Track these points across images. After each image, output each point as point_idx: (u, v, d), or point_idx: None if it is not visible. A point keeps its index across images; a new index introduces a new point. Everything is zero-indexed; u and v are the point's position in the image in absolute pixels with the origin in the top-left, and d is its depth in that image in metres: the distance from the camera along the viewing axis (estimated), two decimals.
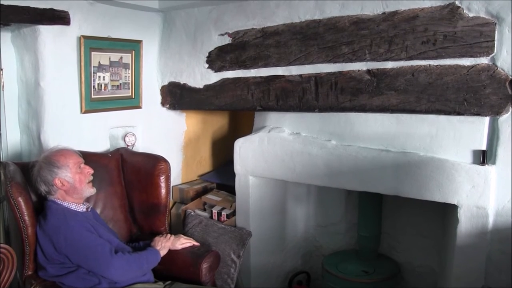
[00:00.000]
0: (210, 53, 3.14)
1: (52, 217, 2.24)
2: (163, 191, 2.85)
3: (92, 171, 2.44)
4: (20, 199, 2.23)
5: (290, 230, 3.53)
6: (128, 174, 2.94)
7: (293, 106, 2.81)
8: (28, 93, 2.86)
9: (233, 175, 3.19)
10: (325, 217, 3.55)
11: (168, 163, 2.88)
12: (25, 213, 2.24)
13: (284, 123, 3.02)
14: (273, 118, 3.09)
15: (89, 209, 2.47)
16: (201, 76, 3.22)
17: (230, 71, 3.06)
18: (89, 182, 2.41)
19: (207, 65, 3.17)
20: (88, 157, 2.62)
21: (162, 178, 2.84)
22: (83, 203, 2.43)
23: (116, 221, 2.81)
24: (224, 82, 3.10)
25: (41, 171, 2.31)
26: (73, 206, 2.35)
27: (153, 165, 2.85)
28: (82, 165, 2.40)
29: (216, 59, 3.11)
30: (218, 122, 4.20)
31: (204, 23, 3.16)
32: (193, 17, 3.22)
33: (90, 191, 2.42)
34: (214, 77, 3.15)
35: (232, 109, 3.19)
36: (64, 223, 2.22)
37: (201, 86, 3.23)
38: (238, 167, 3.13)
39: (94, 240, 2.25)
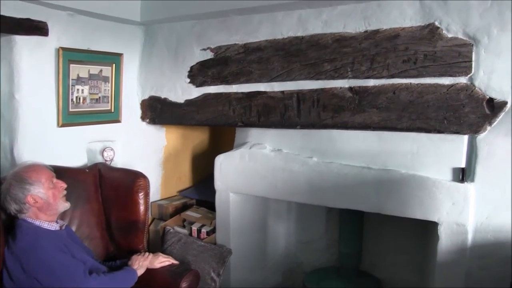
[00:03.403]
0: (191, 67, 3.12)
1: (22, 237, 2.13)
2: (141, 208, 2.78)
3: (65, 186, 2.35)
4: None
5: (271, 247, 3.49)
6: (106, 190, 2.86)
7: (275, 122, 2.80)
8: (1, 105, 2.76)
9: (213, 191, 3.14)
10: (306, 233, 3.53)
11: (147, 179, 2.82)
12: None
13: (265, 140, 3.00)
14: (254, 134, 3.06)
15: (63, 227, 2.38)
16: (182, 91, 3.19)
17: (212, 86, 3.04)
18: (63, 197, 2.32)
19: (188, 80, 3.14)
20: (64, 173, 2.55)
21: (141, 195, 2.77)
22: (56, 221, 2.33)
23: (92, 239, 2.72)
24: (205, 97, 3.08)
25: (11, 189, 2.18)
26: (45, 225, 2.24)
27: (132, 181, 2.79)
28: (55, 180, 2.31)
29: (198, 74, 3.09)
30: (199, 137, 4.16)
31: (186, 37, 3.14)
32: (175, 31, 3.20)
33: (65, 205, 2.33)
34: (195, 92, 3.13)
35: (213, 124, 3.17)
36: (35, 243, 2.12)
37: (182, 101, 3.20)
38: (218, 183, 3.09)
39: (67, 260, 2.15)
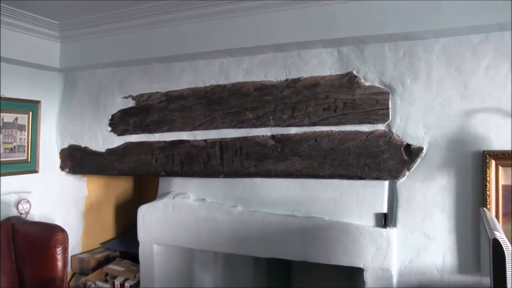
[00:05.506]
0: (113, 116, 3.06)
1: None
2: (59, 264, 2.64)
3: None
4: None
5: None
6: (20, 246, 2.71)
7: (198, 171, 2.76)
8: None
9: (137, 241, 3.03)
10: (233, 282, 3.45)
11: (66, 233, 2.69)
12: None
13: (189, 189, 2.95)
14: (178, 183, 3.01)
15: None
16: (103, 140, 3.11)
17: (134, 135, 2.98)
18: None
19: (109, 128, 3.08)
20: None
21: (59, 250, 2.64)
22: None
23: None
24: (127, 146, 3.01)
25: None
26: None
27: (49, 235, 2.65)
28: None
29: (119, 122, 3.02)
30: (122, 186, 4.05)
31: (107, 85, 3.08)
32: (96, 78, 3.14)
33: None
34: (117, 141, 3.06)
35: (135, 174, 3.08)
36: None
37: (103, 150, 3.11)
38: (142, 234, 2.99)
39: None
